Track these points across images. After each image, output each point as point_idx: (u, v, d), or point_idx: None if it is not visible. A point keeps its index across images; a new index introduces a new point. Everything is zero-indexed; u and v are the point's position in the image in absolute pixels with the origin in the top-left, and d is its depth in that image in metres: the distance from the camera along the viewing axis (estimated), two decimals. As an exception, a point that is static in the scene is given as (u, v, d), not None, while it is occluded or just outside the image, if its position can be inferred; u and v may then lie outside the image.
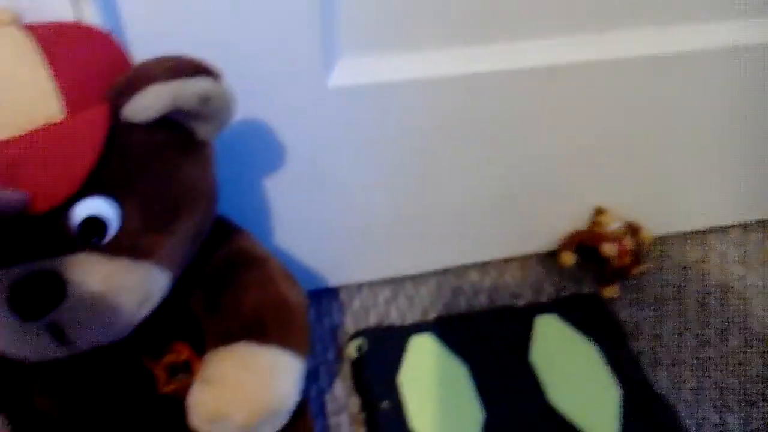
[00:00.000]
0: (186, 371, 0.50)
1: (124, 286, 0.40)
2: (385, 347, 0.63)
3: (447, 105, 0.59)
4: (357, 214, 0.65)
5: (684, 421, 0.58)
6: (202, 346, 0.48)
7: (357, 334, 0.65)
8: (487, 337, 0.65)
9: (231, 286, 0.48)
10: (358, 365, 0.62)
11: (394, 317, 0.69)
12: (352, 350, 0.63)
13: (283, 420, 0.46)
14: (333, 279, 0.71)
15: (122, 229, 0.39)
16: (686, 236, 0.76)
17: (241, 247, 0.50)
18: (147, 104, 0.38)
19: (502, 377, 0.61)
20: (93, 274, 0.38)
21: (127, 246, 0.40)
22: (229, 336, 0.46)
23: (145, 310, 0.43)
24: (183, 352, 0.50)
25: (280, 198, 0.62)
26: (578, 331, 0.65)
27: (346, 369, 0.64)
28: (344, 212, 0.65)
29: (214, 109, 0.40)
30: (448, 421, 0.58)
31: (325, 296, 0.70)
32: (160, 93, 0.38)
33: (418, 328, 0.66)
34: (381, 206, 0.65)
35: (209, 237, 0.48)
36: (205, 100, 0.39)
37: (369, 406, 0.59)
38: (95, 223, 0.38)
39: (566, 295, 0.70)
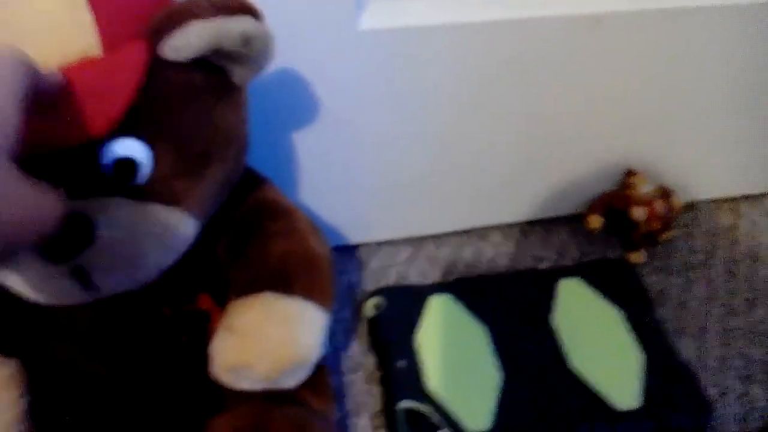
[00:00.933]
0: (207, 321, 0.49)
1: (153, 232, 0.39)
2: (404, 306, 0.62)
3: (480, 53, 0.56)
4: (380, 170, 0.64)
5: (708, 389, 0.58)
6: (224, 297, 0.47)
7: (375, 293, 0.64)
8: (508, 299, 0.63)
9: (258, 236, 0.46)
10: (375, 324, 0.61)
11: (414, 277, 0.67)
12: (369, 308, 0.62)
13: (306, 372, 0.45)
14: (352, 236, 0.69)
15: (154, 173, 0.38)
16: (717, 203, 0.75)
17: (269, 198, 0.49)
18: (187, 42, 0.36)
19: (522, 340, 0.60)
20: (122, 219, 0.37)
21: (158, 191, 0.38)
22: (254, 285, 0.45)
23: (171, 258, 0.42)
24: (205, 302, 0.49)
25: (304, 150, 0.60)
26: (602, 296, 0.63)
27: (362, 327, 0.63)
28: (368, 167, 0.63)
29: (254, 50, 0.38)
30: (465, 382, 0.57)
31: (343, 254, 0.69)
32: (201, 30, 0.36)
33: (438, 288, 0.64)
34: (406, 162, 0.63)
35: (237, 186, 0.46)
36: (246, 40, 0.37)
37: (385, 365, 0.58)
38: (127, 166, 0.36)
39: (591, 259, 0.69)
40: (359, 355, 0.60)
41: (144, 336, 0.47)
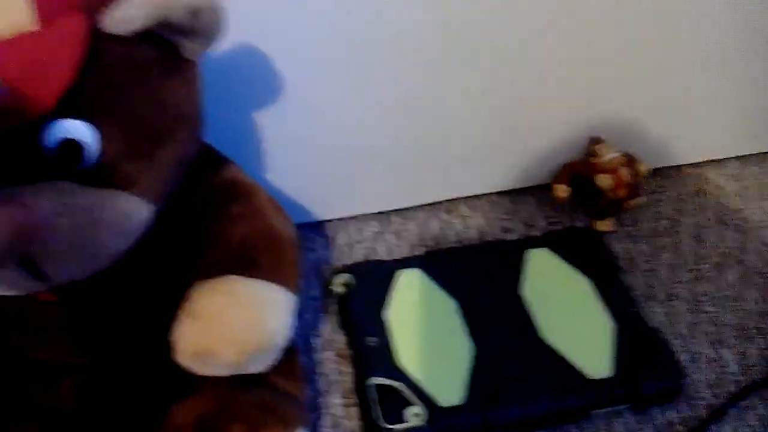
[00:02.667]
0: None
1: (103, 218, 0.37)
2: (372, 282, 0.61)
3: (438, 19, 0.55)
4: (344, 144, 0.62)
5: (679, 355, 0.58)
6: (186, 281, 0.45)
7: (343, 270, 0.62)
8: (477, 271, 0.63)
9: (219, 218, 0.45)
10: (344, 301, 0.60)
11: (382, 252, 0.66)
12: (338, 286, 0.61)
13: (273, 357, 0.44)
14: (318, 213, 0.68)
15: (102, 155, 0.36)
16: (682, 169, 0.74)
17: (229, 178, 0.47)
18: (130, 14, 0.34)
19: (493, 312, 0.59)
20: (70, 204, 0.35)
21: (108, 174, 0.36)
22: (217, 269, 0.43)
23: (125, 245, 0.40)
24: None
25: (265, 125, 0.58)
26: (571, 265, 0.63)
27: (331, 305, 0.61)
28: (331, 141, 0.61)
29: (203, 23, 0.36)
30: (437, 356, 0.56)
31: (310, 231, 0.67)
32: (145, 2, 0.34)
33: (406, 262, 0.63)
34: (369, 135, 0.62)
35: (195, 167, 0.44)
36: (194, 12, 0.35)
37: (355, 343, 0.57)
38: (72, 148, 0.34)
39: (559, 229, 0.69)
40: (329, 333, 0.59)
41: (102, 322, 0.46)
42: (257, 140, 0.59)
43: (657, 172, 0.73)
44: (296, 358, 0.49)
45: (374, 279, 0.61)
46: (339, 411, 0.54)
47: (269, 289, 0.43)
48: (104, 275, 0.40)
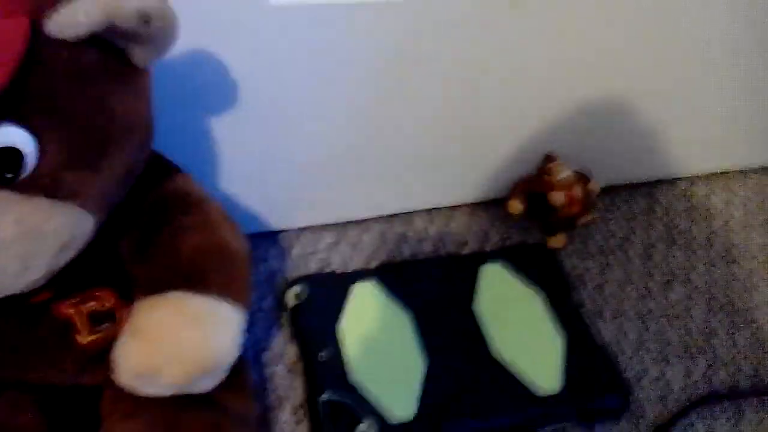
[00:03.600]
0: (111, 320, 0.45)
1: (41, 231, 0.35)
2: (326, 294, 0.60)
3: (395, 30, 0.55)
4: (299, 152, 0.61)
5: (625, 372, 0.59)
6: (128, 295, 0.44)
7: (296, 281, 0.61)
8: (432, 285, 0.62)
9: (167, 230, 0.43)
10: (296, 313, 0.59)
11: (336, 263, 0.65)
12: (290, 297, 0.60)
13: (220, 376, 0.42)
14: (272, 222, 0.67)
15: (41, 164, 0.34)
16: (633, 187, 0.76)
17: (179, 188, 0.46)
18: (75, 19, 0.32)
19: (446, 326, 0.59)
20: (4, 216, 0.33)
21: (47, 184, 0.35)
22: (163, 284, 0.42)
23: (64, 259, 0.38)
24: (107, 299, 0.45)
25: (218, 133, 0.57)
26: (523, 280, 0.63)
27: (283, 318, 0.60)
28: (286, 149, 0.60)
29: (154, 29, 0.35)
30: (389, 371, 0.56)
31: (263, 241, 0.66)
32: (90, 6, 0.32)
33: (361, 275, 0.63)
34: (325, 144, 0.61)
35: (143, 176, 0.43)
36: (144, 18, 0.34)
37: (307, 356, 0.56)
38: (9, 156, 0.33)
39: (512, 244, 0.69)
40: (280, 347, 0.58)
41: (37, 338, 0.44)
42: (209, 147, 0.58)
43: (608, 190, 0.74)
44: (246, 374, 0.48)
45: (328, 291, 0.61)
46: (289, 427, 0.53)
47: (219, 306, 0.41)
48: (41, 289, 0.38)
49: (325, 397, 0.53)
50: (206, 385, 0.41)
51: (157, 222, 0.43)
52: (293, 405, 0.55)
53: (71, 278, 0.42)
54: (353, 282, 0.62)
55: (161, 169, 0.46)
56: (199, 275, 0.42)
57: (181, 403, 0.41)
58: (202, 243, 0.43)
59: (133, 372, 0.40)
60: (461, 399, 0.54)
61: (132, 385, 0.40)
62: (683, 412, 0.56)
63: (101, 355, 0.43)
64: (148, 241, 0.43)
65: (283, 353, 0.58)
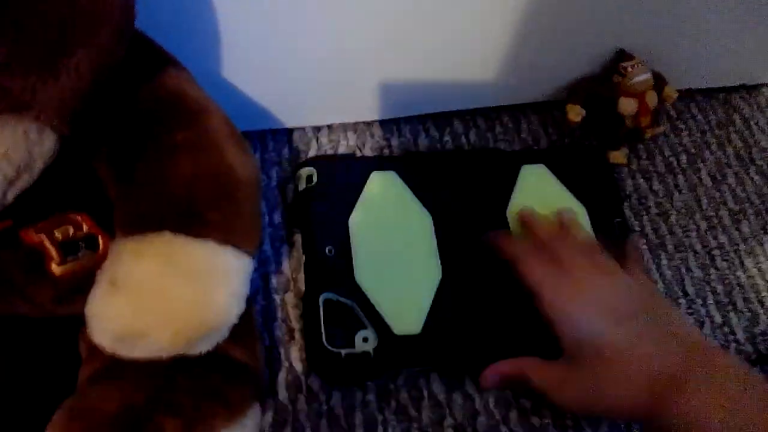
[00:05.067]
0: (91, 248, 0.37)
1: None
2: (340, 181, 0.52)
3: None
4: (323, 40, 0.50)
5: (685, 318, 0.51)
6: (111, 221, 0.35)
7: (309, 162, 0.53)
8: (461, 183, 0.53)
9: (153, 149, 0.34)
10: (305, 197, 0.51)
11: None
12: (301, 179, 0.52)
13: (220, 337, 0.34)
14: (286, 119, 0.56)
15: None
16: (710, 93, 0.64)
17: (171, 90, 0.35)
18: None
19: (470, 233, 0.50)
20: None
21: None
22: (150, 221, 0.33)
23: (23, 182, 0.29)
24: (83, 224, 0.37)
25: (226, 16, 0.45)
26: (568, 190, 0.54)
27: (292, 204, 0.53)
28: (307, 36, 0.49)
29: None
30: (400, 277, 0.48)
31: (275, 137, 0.56)
32: None
33: (381, 163, 0.53)
34: (354, 31, 0.50)
35: (126, 72, 0.33)
36: None
37: (312, 248, 0.49)
38: None
39: (563, 145, 0.59)
40: (292, 271, 0.50)
41: (2, 268, 0.36)
42: (213, 31, 0.46)
43: (680, 96, 0.62)
44: (250, 316, 0.40)
45: (343, 176, 0.52)
46: (299, 365, 0.47)
47: (219, 254, 0.33)
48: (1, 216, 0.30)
49: (327, 296, 0.46)
50: (203, 347, 0.34)
51: (143, 137, 0.33)
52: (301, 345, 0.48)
53: (40, 203, 0.33)
54: (372, 170, 0.52)
55: (149, 61, 0.36)
56: (195, 213, 0.32)
57: (174, 360, 0.34)
58: (199, 168, 0.33)
59: (112, 334, 0.32)
60: (476, 320, 0.47)
61: (111, 348, 0.32)
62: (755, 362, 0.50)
63: (79, 286, 0.36)
64: (131, 162, 0.33)
65: (294, 279, 0.50)
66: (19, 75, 0.26)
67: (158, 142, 0.33)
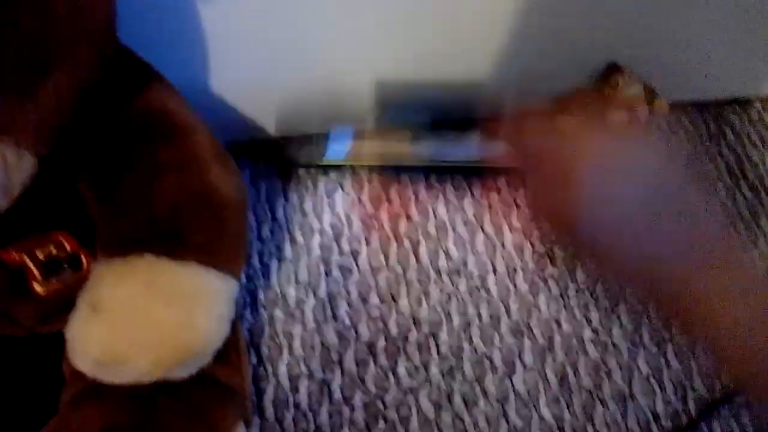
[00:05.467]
0: (75, 268, 0.36)
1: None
2: None
3: None
4: (314, 50, 0.49)
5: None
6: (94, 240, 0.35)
7: None
8: None
9: (137, 168, 0.33)
10: None
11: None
12: None
13: (204, 361, 0.34)
14: (277, 130, 0.56)
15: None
16: (701, 107, 0.64)
17: (156, 108, 0.34)
18: None
19: None
20: None
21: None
22: (131, 243, 0.32)
23: (3, 203, 0.29)
24: (65, 244, 0.36)
25: (213, 27, 0.45)
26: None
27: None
28: (298, 47, 0.48)
29: None
30: None
31: (265, 149, 0.56)
32: None
33: None
34: (346, 43, 0.49)
35: (108, 86, 0.32)
36: None
37: None
38: None
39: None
40: (278, 288, 0.50)
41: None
42: (198, 44, 0.46)
43: (671, 109, 0.62)
44: (238, 334, 0.40)
45: None
46: (286, 382, 0.46)
47: (202, 276, 0.32)
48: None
49: None
50: (184, 372, 0.33)
51: (125, 155, 0.33)
52: (293, 354, 0.47)
53: (21, 223, 0.33)
54: None
55: (132, 78, 0.35)
56: (177, 235, 0.32)
57: (156, 382, 0.33)
58: (182, 189, 0.32)
59: (92, 359, 0.31)
60: None
61: (92, 372, 0.31)
62: None
63: (63, 306, 0.35)
64: (113, 182, 0.32)
65: (282, 294, 0.50)
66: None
67: (141, 161, 0.33)
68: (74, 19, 0.27)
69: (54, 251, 0.36)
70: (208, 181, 0.34)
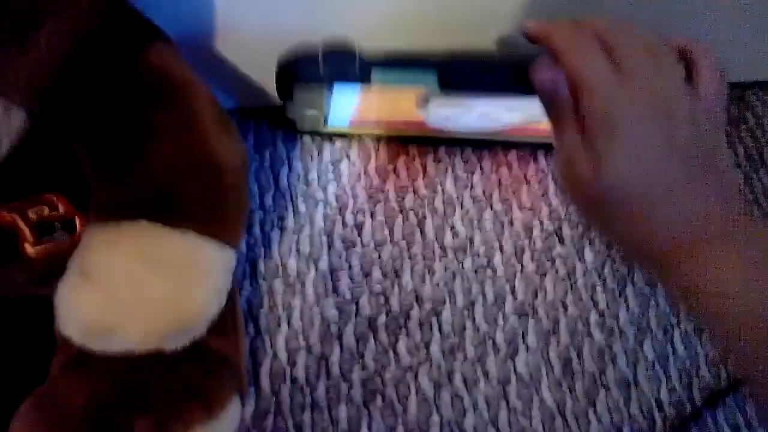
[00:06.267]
0: (69, 230, 0.35)
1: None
2: None
3: None
4: (324, 12, 0.47)
5: None
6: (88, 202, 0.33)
7: None
8: None
9: (134, 130, 0.32)
10: None
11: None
12: None
13: (198, 332, 0.33)
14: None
15: None
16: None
17: (156, 67, 0.33)
18: None
19: None
20: None
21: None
22: (125, 208, 0.31)
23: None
24: (59, 205, 0.35)
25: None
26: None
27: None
28: (308, 8, 0.46)
29: None
30: None
31: (270, 116, 0.54)
32: None
33: None
34: (358, 5, 0.47)
35: (108, 45, 0.31)
36: None
37: None
38: None
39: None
40: (278, 258, 0.49)
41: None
42: (208, 1, 0.44)
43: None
44: (234, 305, 0.38)
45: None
46: (284, 355, 0.45)
47: (199, 245, 0.31)
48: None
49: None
50: (177, 343, 0.32)
51: (122, 116, 0.31)
52: (292, 327, 0.46)
53: (13, 183, 0.32)
54: None
55: (132, 34, 0.33)
56: (174, 202, 0.30)
57: (147, 353, 0.32)
58: (180, 154, 0.31)
59: (81, 327, 0.30)
60: None
61: (80, 340, 0.30)
62: None
63: (55, 269, 0.34)
64: (109, 144, 0.31)
65: (283, 264, 0.48)
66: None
67: (138, 123, 0.31)
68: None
69: (47, 212, 0.35)
70: (209, 146, 0.32)
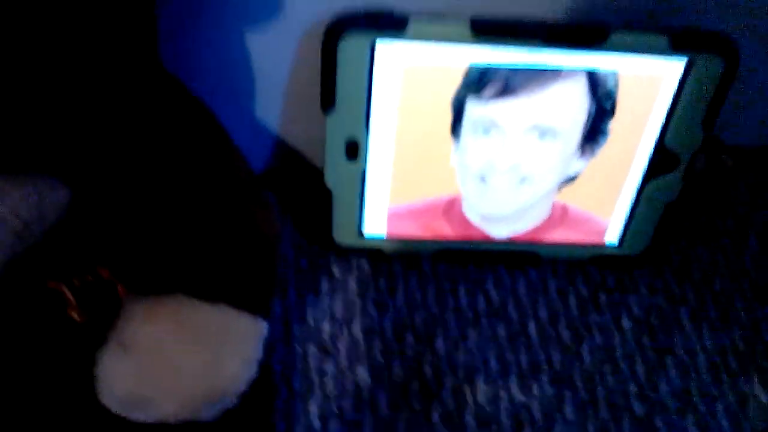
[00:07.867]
0: (110, 298, 0.36)
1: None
2: None
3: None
4: None
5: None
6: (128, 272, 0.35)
7: None
8: None
9: (173, 203, 0.33)
10: None
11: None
12: None
13: (230, 403, 0.33)
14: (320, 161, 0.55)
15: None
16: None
17: (193, 132, 0.34)
18: None
19: None
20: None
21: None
22: (164, 281, 0.32)
23: (32, 236, 0.29)
24: (101, 274, 0.36)
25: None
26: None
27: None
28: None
29: None
30: None
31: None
32: None
33: None
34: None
35: (139, 107, 0.32)
36: None
37: None
38: None
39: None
40: (312, 322, 0.49)
41: (24, 314, 0.35)
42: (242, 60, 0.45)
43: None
44: (267, 372, 0.39)
45: None
46: (317, 422, 0.45)
47: (233, 318, 0.31)
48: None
49: None
50: (210, 414, 0.32)
51: (157, 185, 0.33)
52: (324, 394, 0.46)
53: (58, 252, 0.33)
54: None
55: (172, 108, 0.35)
56: (209, 274, 0.31)
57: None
58: (217, 226, 0.32)
59: (118, 398, 0.31)
60: None
61: (117, 410, 0.31)
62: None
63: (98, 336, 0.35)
64: (148, 216, 0.32)
65: (317, 328, 0.49)
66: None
67: (173, 194, 0.32)
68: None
69: (90, 280, 0.36)
70: (243, 218, 0.33)
